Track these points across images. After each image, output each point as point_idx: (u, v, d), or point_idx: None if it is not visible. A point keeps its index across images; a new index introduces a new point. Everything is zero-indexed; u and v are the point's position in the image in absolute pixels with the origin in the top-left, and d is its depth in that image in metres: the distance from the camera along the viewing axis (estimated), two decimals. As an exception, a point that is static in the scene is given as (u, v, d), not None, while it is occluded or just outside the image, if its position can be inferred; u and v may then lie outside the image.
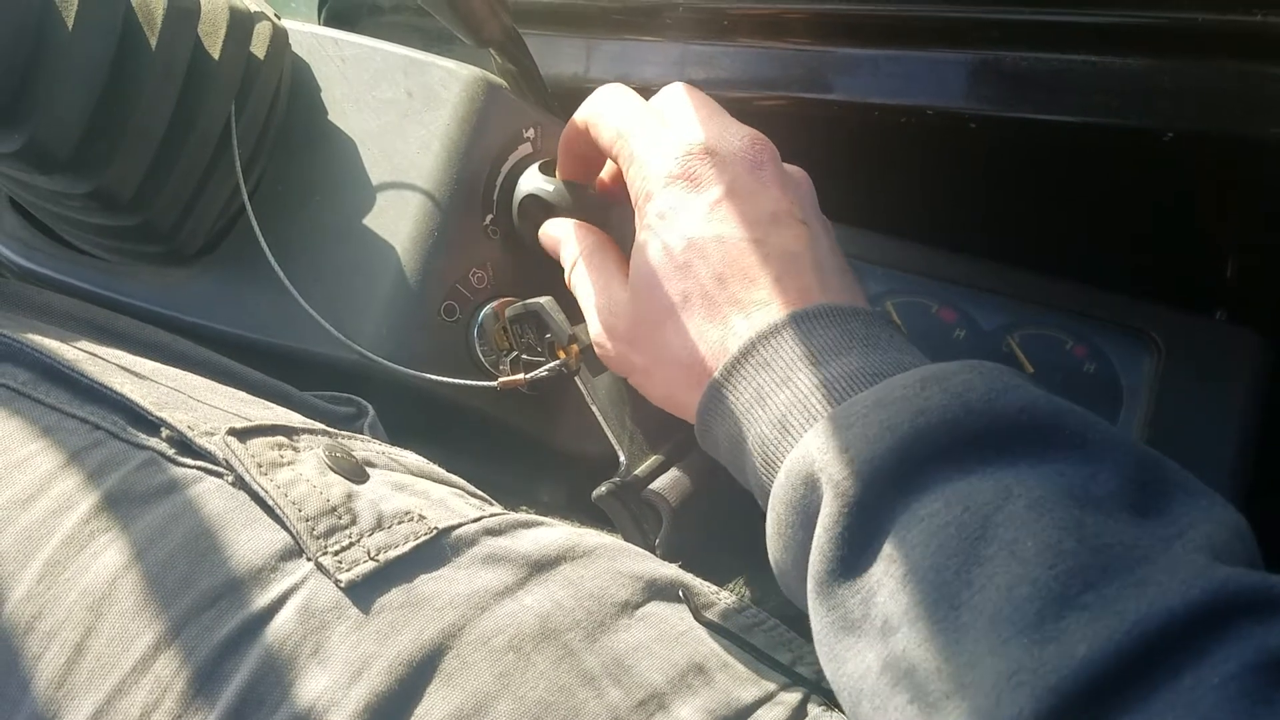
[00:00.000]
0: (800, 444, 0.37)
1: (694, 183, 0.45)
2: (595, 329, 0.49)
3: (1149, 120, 0.52)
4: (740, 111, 0.48)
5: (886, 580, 0.33)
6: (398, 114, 0.56)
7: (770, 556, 0.40)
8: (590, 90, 0.55)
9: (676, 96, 0.49)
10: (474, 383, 0.53)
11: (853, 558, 0.35)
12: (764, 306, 0.42)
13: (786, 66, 0.60)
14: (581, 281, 0.50)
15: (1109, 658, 0.28)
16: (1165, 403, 0.56)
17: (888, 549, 0.34)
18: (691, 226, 0.44)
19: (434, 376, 0.53)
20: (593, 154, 0.51)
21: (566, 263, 0.51)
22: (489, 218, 0.56)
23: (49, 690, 0.37)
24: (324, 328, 0.52)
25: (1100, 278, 0.58)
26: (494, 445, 0.58)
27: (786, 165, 0.48)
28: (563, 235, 0.52)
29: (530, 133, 0.58)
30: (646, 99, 0.50)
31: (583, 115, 0.50)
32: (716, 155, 0.45)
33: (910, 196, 0.63)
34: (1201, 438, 0.55)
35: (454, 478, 0.47)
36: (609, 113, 0.49)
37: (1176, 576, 0.29)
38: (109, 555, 0.39)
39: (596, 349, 0.49)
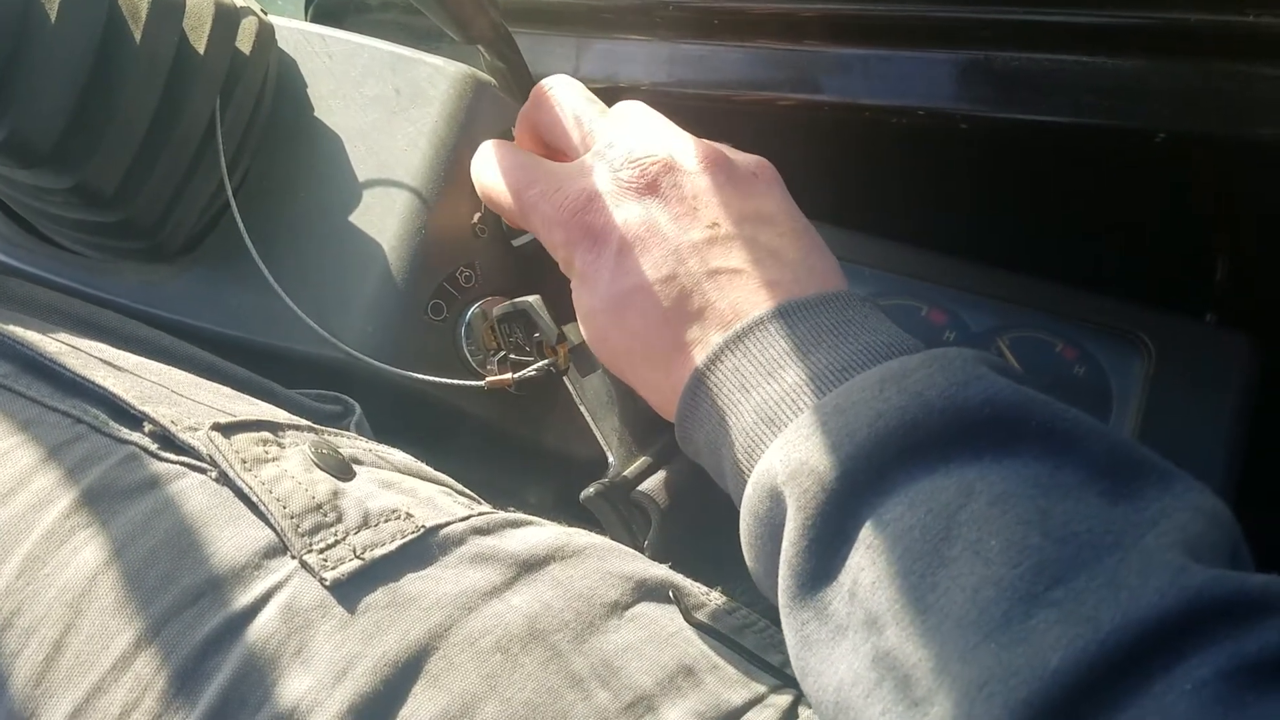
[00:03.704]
0: (764, 457, 0.37)
1: (590, 242, 0.45)
2: (585, 327, 0.48)
3: (1141, 121, 0.52)
4: (729, 112, 0.48)
5: (856, 590, 0.33)
6: (385, 111, 0.55)
7: (748, 565, 0.40)
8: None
9: (630, 107, 0.49)
10: (461, 382, 0.53)
11: (819, 569, 0.34)
12: (716, 331, 0.42)
13: (776, 66, 0.60)
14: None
15: (1082, 668, 0.27)
16: (1155, 406, 0.56)
17: (854, 558, 0.33)
18: (602, 290, 0.44)
19: (421, 375, 0.52)
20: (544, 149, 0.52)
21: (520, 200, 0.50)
22: (477, 216, 0.56)
23: (27, 688, 0.37)
24: (309, 325, 0.52)
25: (1090, 280, 0.58)
26: (481, 445, 0.58)
27: (743, 155, 0.47)
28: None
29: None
30: (635, 98, 0.50)
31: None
32: (603, 198, 0.45)
33: (900, 197, 0.63)
34: (1192, 441, 0.55)
35: (442, 476, 0.47)
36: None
37: (1150, 582, 0.28)
38: (89, 551, 0.38)
39: (592, 342, 0.48)
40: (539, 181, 0.47)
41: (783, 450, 0.36)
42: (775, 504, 0.36)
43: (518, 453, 0.59)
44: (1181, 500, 0.32)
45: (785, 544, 0.35)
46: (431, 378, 0.52)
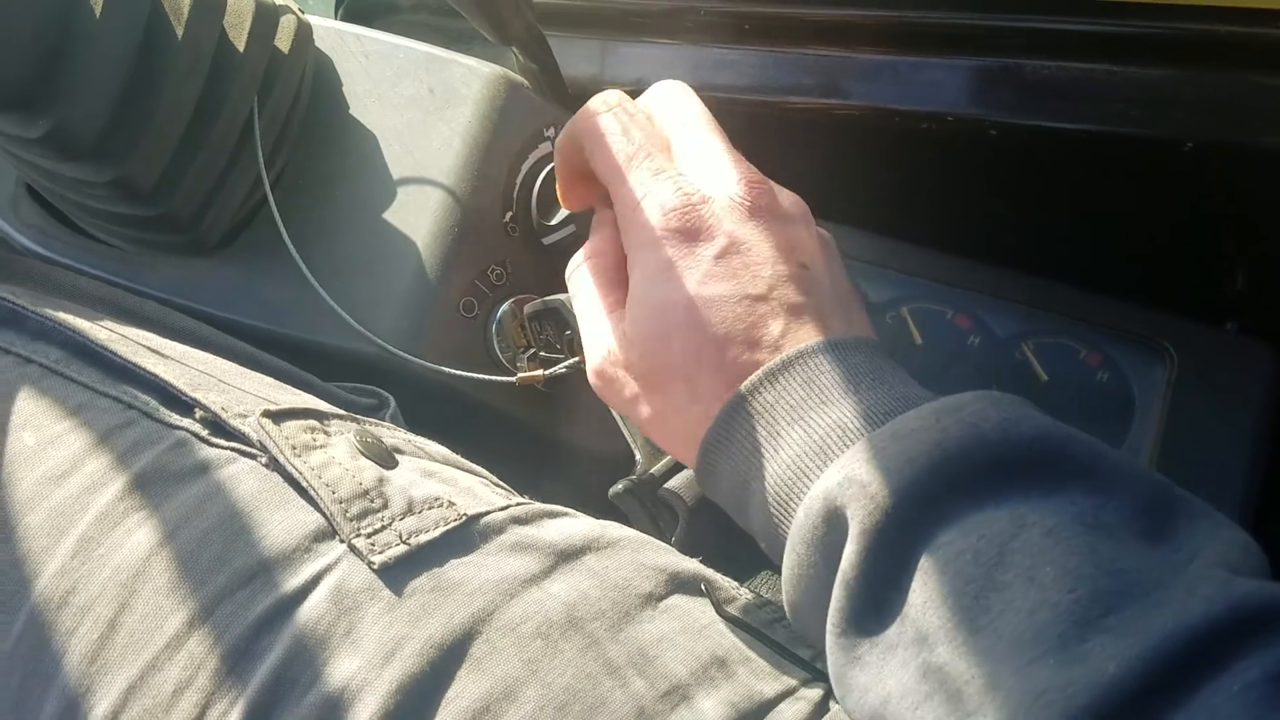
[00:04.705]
0: (819, 482, 0.37)
1: (692, 237, 0.43)
2: (591, 354, 0.46)
3: (1168, 130, 0.52)
4: (758, 116, 0.48)
5: (908, 610, 0.34)
6: (420, 110, 0.56)
7: (785, 596, 0.40)
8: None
9: (670, 108, 0.47)
10: (492, 378, 0.53)
11: (878, 592, 0.35)
12: (767, 358, 0.41)
13: (806, 71, 0.61)
14: (580, 289, 0.48)
15: (1137, 675, 0.28)
16: (1177, 412, 0.56)
17: (911, 581, 0.34)
18: (692, 284, 0.43)
19: (454, 371, 0.53)
20: (588, 169, 0.48)
21: (575, 259, 0.49)
22: (509, 215, 0.56)
23: (82, 665, 0.37)
24: (343, 319, 0.52)
25: (1115, 287, 0.59)
26: (510, 441, 0.58)
27: (782, 192, 0.47)
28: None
29: (551, 131, 0.58)
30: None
31: (574, 132, 0.48)
32: (713, 204, 0.44)
33: (928, 203, 0.63)
34: (1214, 448, 0.56)
35: (477, 468, 0.47)
36: (600, 141, 0.47)
37: (1196, 593, 0.29)
38: (142, 533, 0.39)
39: (591, 375, 0.47)
40: (656, 161, 0.46)
41: (841, 473, 0.36)
42: (831, 528, 0.36)
43: (546, 448, 0.60)
44: (1215, 535, 0.33)
45: (845, 565, 0.35)
46: (464, 372, 0.53)
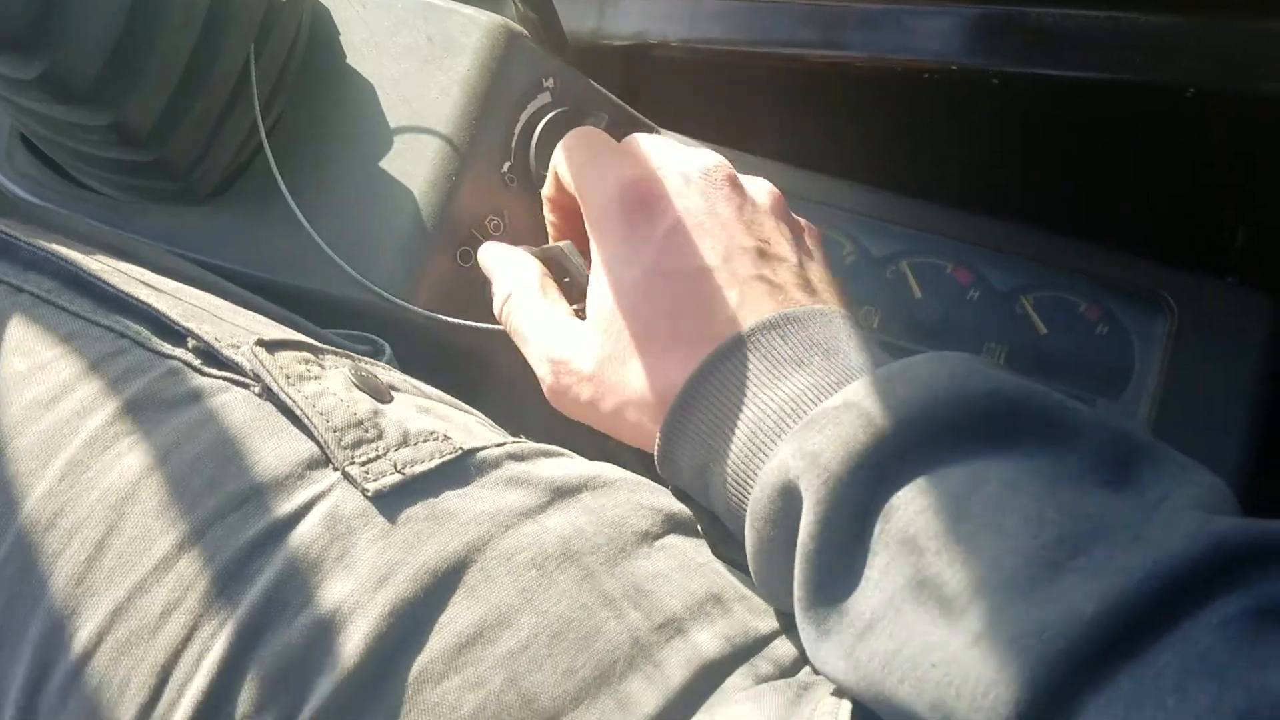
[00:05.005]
0: (771, 458, 0.37)
1: (646, 215, 0.44)
2: (543, 371, 0.47)
3: (1172, 77, 0.52)
4: (757, 70, 0.48)
5: (871, 575, 0.33)
6: (418, 59, 0.56)
7: (753, 574, 0.40)
8: (608, 46, 0.55)
9: (635, 138, 0.49)
10: (490, 326, 0.53)
11: (838, 561, 0.34)
12: (721, 334, 0.41)
13: (804, 22, 0.60)
14: (519, 321, 0.48)
15: (1116, 613, 0.27)
16: (1177, 365, 0.56)
17: (871, 544, 0.34)
18: (645, 261, 0.43)
19: (449, 318, 0.52)
20: (570, 201, 0.50)
21: (498, 297, 0.50)
22: (507, 165, 0.56)
23: (68, 586, 0.37)
24: (339, 266, 0.52)
25: (1116, 240, 0.58)
26: (506, 391, 0.58)
27: (748, 178, 0.47)
28: (495, 265, 0.51)
29: (550, 81, 0.58)
30: (663, 54, 0.49)
31: (553, 162, 0.50)
32: (668, 181, 0.45)
33: (929, 154, 0.63)
34: (1214, 400, 0.56)
35: (475, 410, 0.47)
36: (569, 153, 0.48)
37: (1176, 531, 0.29)
38: (132, 457, 0.39)
39: (547, 393, 0.47)
40: (619, 153, 0.47)
41: (793, 446, 0.36)
42: (787, 501, 0.36)
43: (543, 398, 0.60)
44: (1185, 479, 0.33)
45: (802, 537, 0.35)
46: (458, 320, 0.53)
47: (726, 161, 0.47)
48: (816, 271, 0.45)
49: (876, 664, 0.32)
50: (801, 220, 0.48)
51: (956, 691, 0.29)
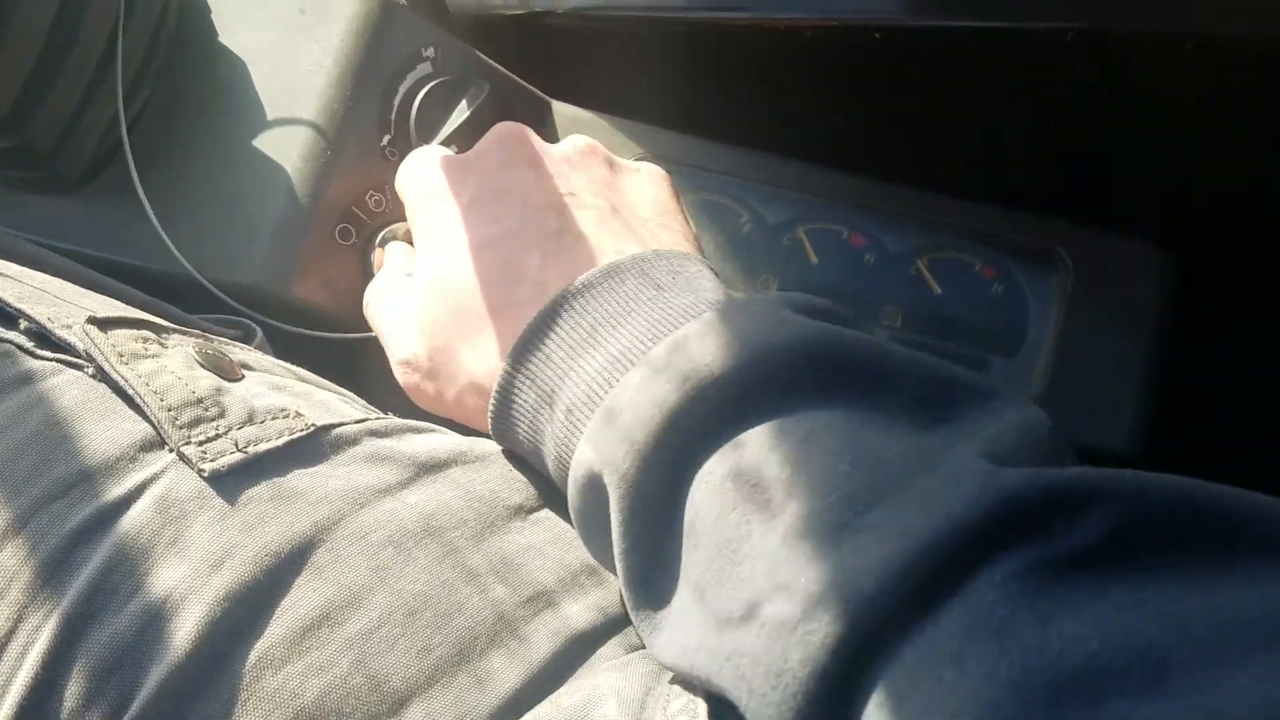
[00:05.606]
0: (579, 447, 0.36)
1: (448, 194, 0.45)
2: (396, 373, 0.47)
3: (1052, 20, 0.51)
4: (648, 35, 0.47)
5: (683, 555, 0.33)
6: (289, 30, 0.54)
7: (595, 559, 0.40)
8: (495, 14, 0.53)
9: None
10: (360, 335, 0.52)
11: (651, 559, 0.34)
12: (530, 294, 0.41)
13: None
14: (376, 324, 0.49)
15: (895, 585, 0.26)
16: (1073, 321, 0.55)
17: (679, 543, 0.33)
18: (451, 239, 0.44)
19: (315, 333, 0.53)
20: None
21: (365, 297, 0.52)
22: (386, 139, 0.54)
23: None
24: (212, 255, 0.51)
25: (1011, 197, 0.58)
26: (389, 382, 0.57)
27: (561, 141, 0.47)
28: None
29: (430, 51, 0.56)
30: (552, 24, 0.49)
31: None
32: (466, 160, 0.45)
33: (817, 118, 0.62)
34: (1109, 355, 0.55)
35: (345, 390, 0.46)
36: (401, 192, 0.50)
37: (960, 489, 0.28)
38: None
39: (407, 394, 0.47)
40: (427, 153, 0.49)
41: (594, 435, 0.35)
42: (597, 493, 0.36)
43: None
44: (995, 415, 0.32)
45: (615, 537, 0.34)
46: (329, 334, 0.53)
47: (523, 126, 0.47)
48: (640, 211, 0.45)
49: (686, 660, 0.32)
50: (636, 163, 0.48)
51: (749, 687, 0.28)
